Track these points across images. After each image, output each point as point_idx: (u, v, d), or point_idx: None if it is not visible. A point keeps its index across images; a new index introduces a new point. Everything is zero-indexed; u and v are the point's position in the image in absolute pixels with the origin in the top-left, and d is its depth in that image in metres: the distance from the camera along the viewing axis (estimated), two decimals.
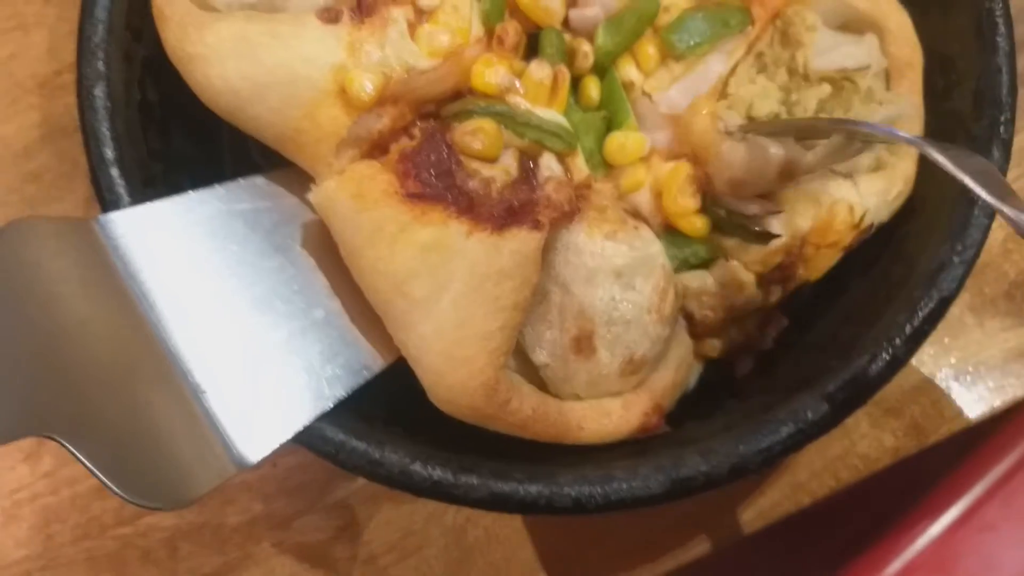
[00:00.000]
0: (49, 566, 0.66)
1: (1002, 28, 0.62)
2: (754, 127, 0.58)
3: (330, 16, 0.55)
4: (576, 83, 0.62)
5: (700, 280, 0.59)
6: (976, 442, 1.05)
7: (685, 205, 0.58)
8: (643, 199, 0.61)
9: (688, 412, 0.59)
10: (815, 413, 0.54)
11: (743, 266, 0.59)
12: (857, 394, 0.54)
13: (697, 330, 0.60)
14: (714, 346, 0.61)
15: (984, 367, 0.70)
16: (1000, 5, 0.63)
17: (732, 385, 0.63)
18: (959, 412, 0.70)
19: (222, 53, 0.55)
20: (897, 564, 0.97)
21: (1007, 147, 0.60)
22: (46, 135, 0.74)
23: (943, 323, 0.58)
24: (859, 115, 0.59)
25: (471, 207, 0.53)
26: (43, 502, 0.66)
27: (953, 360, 0.71)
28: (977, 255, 0.57)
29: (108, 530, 0.67)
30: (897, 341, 0.55)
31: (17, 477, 0.66)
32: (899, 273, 0.60)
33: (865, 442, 0.68)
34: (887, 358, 0.55)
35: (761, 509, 0.67)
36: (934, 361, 0.70)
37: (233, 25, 0.55)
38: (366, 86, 0.55)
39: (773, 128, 0.58)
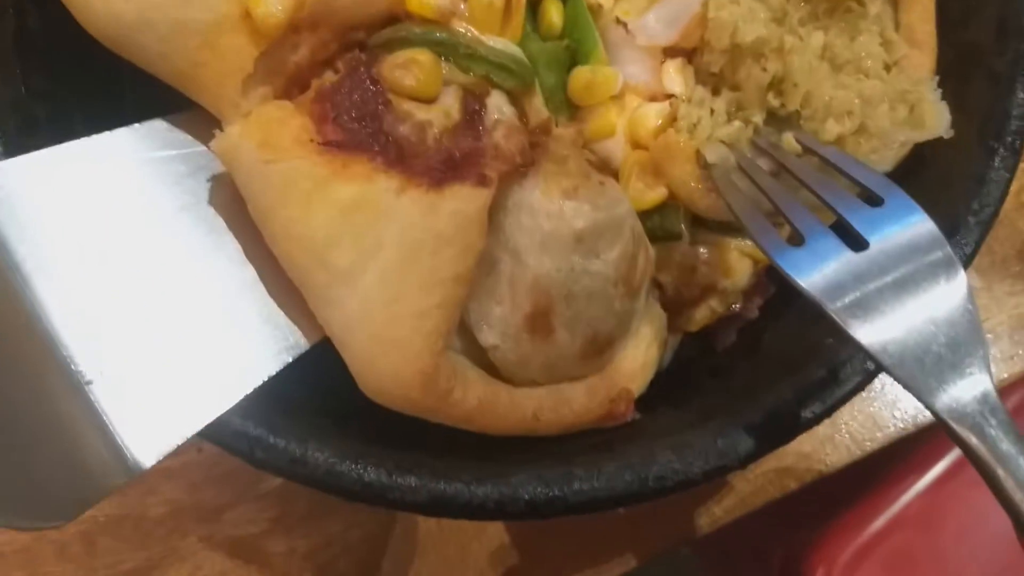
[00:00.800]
0: None
1: None
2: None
3: None
4: (535, 6, 0.53)
5: (676, 255, 0.51)
6: None
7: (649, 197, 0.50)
8: (614, 147, 0.53)
9: (662, 394, 0.52)
10: (807, 402, 0.46)
11: (737, 251, 0.51)
12: (858, 379, 0.47)
13: (671, 302, 0.52)
14: (692, 319, 0.53)
15: (992, 335, 0.64)
16: None
17: (713, 360, 0.56)
18: None
19: None
20: (883, 519, 0.93)
21: None
22: None
23: None
24: (887, 135, 0.50)
25: (402, 158, 0.44)
26: None
27: None
28: (996, 215, 0.50)
29: None
30: None
31: None
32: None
33: (857, 421, 0.61)
34: None
35: (742, 495, 0.60)
36: None
37: None
38: (275, 8, 0.45)
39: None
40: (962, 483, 1.11)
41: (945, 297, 0.40)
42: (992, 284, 0.64)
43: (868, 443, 0.62)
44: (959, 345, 0.39)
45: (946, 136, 0.51)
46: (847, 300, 0.41)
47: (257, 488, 0.60)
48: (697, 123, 0.51)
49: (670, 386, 0.53)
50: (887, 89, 0.52)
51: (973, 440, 0.38)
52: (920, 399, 0.39)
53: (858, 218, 0.43)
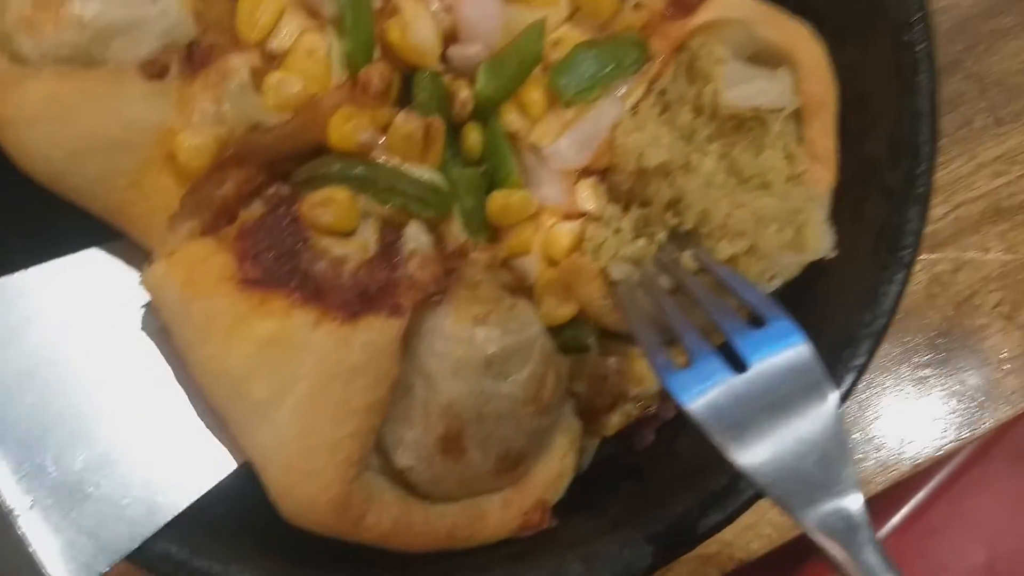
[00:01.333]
0: None
1: (924, 65, 0.56)
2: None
3: (155, 70, 0.48)
4: (455, 132, 0.56)
5: (587, 366, 0.53)
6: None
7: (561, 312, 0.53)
8: (531, 264, 0.56)
9: (579, 498, 0.54)
10: (708, 512, 0.49)
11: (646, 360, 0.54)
12: (753, 491, 0.49)
13: (586, 410, 0.55)
14: (607, 424, 0.56)
15: (911, 423, 0.66)
16: (922, 39, 0.56)
17: (631, 460, 0.58)
18: (881, 472, 0.66)
19: (31, 116, 0.48)
20: None
21: (924, 202, 0.54)
22: None
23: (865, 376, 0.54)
24: (774, 257, 0.53)
25: (319, 293, 0.47)
26: None
27: (871, 418, 0.66)
28: (887, 326, 0.53)
29: None
30: None
31: None
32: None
33: (778, 509, 0.64)
34: None
35: None
36: (853, 420, 0.66)
37: (43, 84, 0.48)
38: (198, 151, 0.48)
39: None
40: (922, 532, 1.14)
41: (816, 419, 0.43)
42: (902, 375, 0.67)
43: (789, 530, 0.64)
44: (829, 464, 0.42)
45: (828, 257, 0.54)
46: (727, 423, 0.43)
47: None
48: (603, 243, 0.54)
49: (588, 489, 0.55)
50: (781, 207, 0.54)
51: (841, 556, 0.40)
52: (793, 517, 0.41)
53: (741, 340, 0.45)
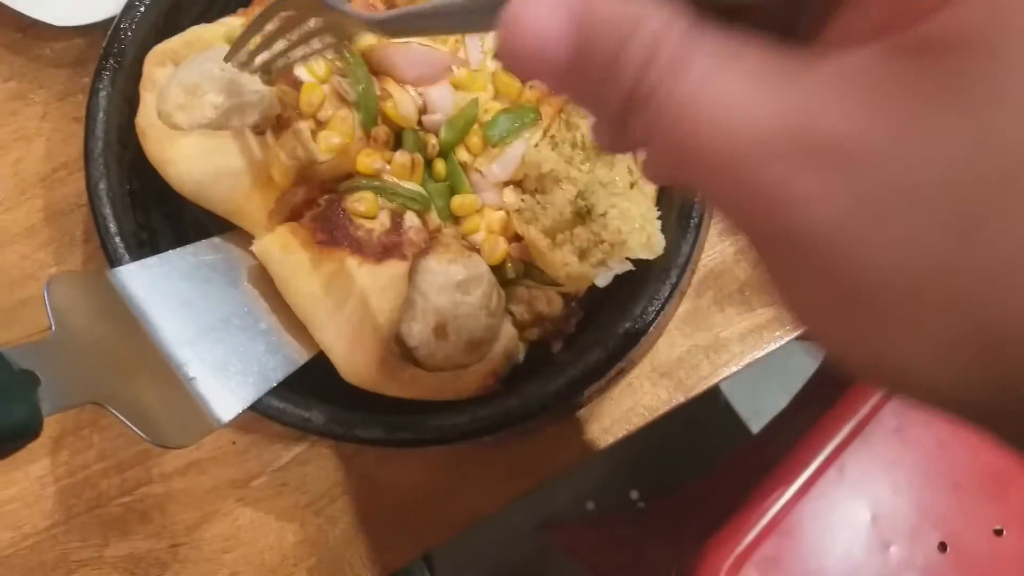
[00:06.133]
0: (70, 529, 0.89)
1: None
2: None
3: (259, 130, 0.84)
4: (429, 163, 0.93)
5: (517, 294, 0.89)
6: (809, 418, 1.35)
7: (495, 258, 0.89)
8: (479, 237, 0.92)
9: (517, 376, 0.89)
10: (594, 361, 0.84)
11: (555, 293, 0.90)
12: (623, 346, 0.85)
13: (518, 324, 0.90)
14: (533, 332, 0.91)
15: (727, 341, 1.03)
16: None
17: (548, 357, 0.93)
18: (712, 372, 1.02)
19: (187, 158, 0.83)
20: (753, 532, 1.25)
21: None
22: (48, 217, 0.99)
23: (695, 312, 0.91)
24: (634, 251, 0.86)
25: (360, 248, 0.82)
26: (62, 484, 0.90)
27: (703, 337, 1.03)
28: (687, 263, 0.90)
29: (113, 500, 0.91)
30: (643, 315, 0.87)
31: (41, 466, 0.90)
32: (646, 274, 0.91)
33: (648, 397, 0.99)
34: (638, 327, 0.87)
35: (578, 448, 0.97)
36: (691, 339, 1.03)
37: (194, 139, 0.83)
38: (284, 174, 0.84)
39: None
40: (814, 497, 1.45)
41: None
42: (724, 309, 1.04)
43: (656, 411, 0.99)
44: None
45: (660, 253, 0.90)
46: None
47: (272, 465, 0.94)
48: (533, 217, 0.91)
49: (520, 371, 0.90)
50: (636, 210, 0.91)
51: None
52: None
53: None
